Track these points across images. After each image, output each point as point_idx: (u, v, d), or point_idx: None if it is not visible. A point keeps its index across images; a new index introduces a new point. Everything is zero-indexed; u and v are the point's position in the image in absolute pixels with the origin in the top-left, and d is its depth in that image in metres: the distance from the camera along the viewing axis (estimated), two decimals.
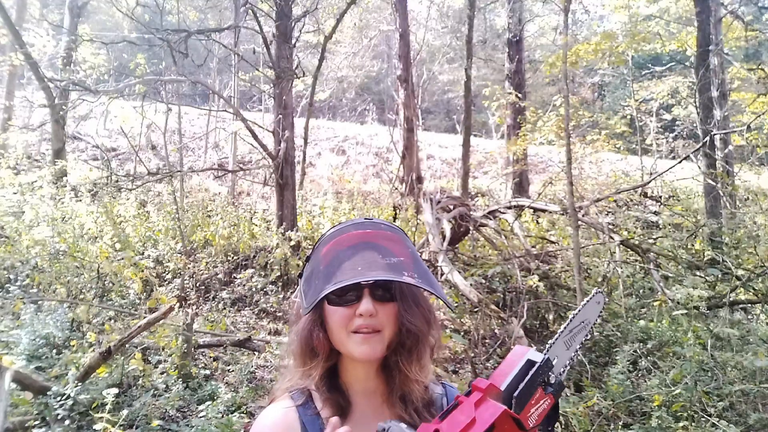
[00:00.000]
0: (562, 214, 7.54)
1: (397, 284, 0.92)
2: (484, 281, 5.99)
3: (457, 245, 7.41)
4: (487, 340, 5.42)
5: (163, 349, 4.41)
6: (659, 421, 3.25)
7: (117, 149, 14.07)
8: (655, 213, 10.01)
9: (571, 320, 0.98)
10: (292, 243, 7.09)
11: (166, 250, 7.23)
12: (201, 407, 3.74)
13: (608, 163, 15.23)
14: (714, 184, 6.51)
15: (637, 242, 6.15)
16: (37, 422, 3.29)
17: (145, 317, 4.32)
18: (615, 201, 10.76)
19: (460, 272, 5.67)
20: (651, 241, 6.43)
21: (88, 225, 7.62)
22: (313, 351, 0.95)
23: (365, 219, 1.00)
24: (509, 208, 7.71)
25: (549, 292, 5.75)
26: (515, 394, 0.78)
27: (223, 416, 3.70)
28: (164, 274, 6.80)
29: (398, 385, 0.95)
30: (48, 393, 3.44)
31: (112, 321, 5.25)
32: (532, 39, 19.82)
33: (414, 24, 15.84)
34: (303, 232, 7.89)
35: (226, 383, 4.47)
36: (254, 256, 7.25)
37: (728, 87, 9.67)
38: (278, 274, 6.96)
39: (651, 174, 9.74)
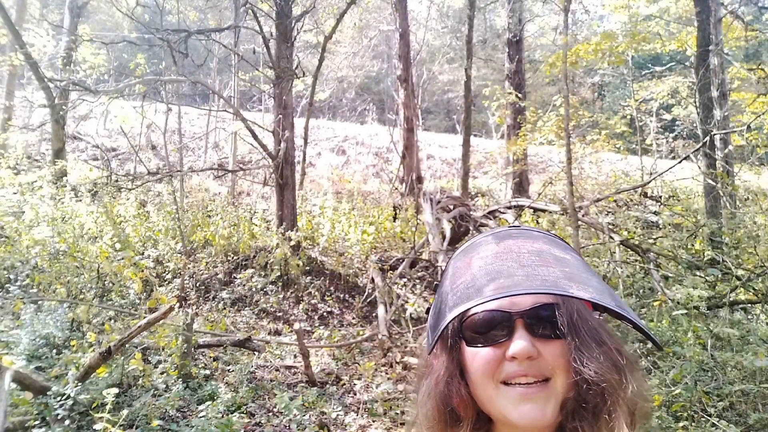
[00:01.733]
0: (562, 214, 7.54)
1: (563, 312, 0.65)
2: None
3: (457, 245, 7.42)
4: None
5: (163, 349, 4.41)
6: (659, 421, 3.25)
7: (117, 149, 14.07)
8: (655, 213, 10.01)
9: None
10: (292, 243, 7.09)
11: (166, 250, 7.23)
12: (201, 407, 3.74)
13: (608, 163, 15.23)
14: (714, 184, 6.51)
15: (637, 242, 6.15)
16: (37, 422, 3.29)
17: (145, 317, 4.32)
18: (615, 201, 10.76)
19: None
20: (651, 241, 6.43)
21: (88, 225, 7.62)
22: (455, 415, 0.68)
23: (510, 226, 0.77)
24: (509, 208, 7.72)
25: None
26: None
27: (223, 416, 3.71)
28: (164, 274, 6.80)
29: None
30: (48, 393, 3.44)
31: (112, 321, 5.25)
32: (532, 39, 19.83)
33: (414, 24, 15.84)
34: (303, 232, 7.89)
35: (226, 383, 4.47)
36: (254, 256, 7.25)
37: (728, 87, 9.66)
38: (278, 274, 6.96)
39: (651, 174, 9.74)
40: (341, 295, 7.04)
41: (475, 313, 0.66)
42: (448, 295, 0.67)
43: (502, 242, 0.71)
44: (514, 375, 0.63)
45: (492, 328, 0.65)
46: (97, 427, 3.10)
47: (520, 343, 0.63)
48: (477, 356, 0.66)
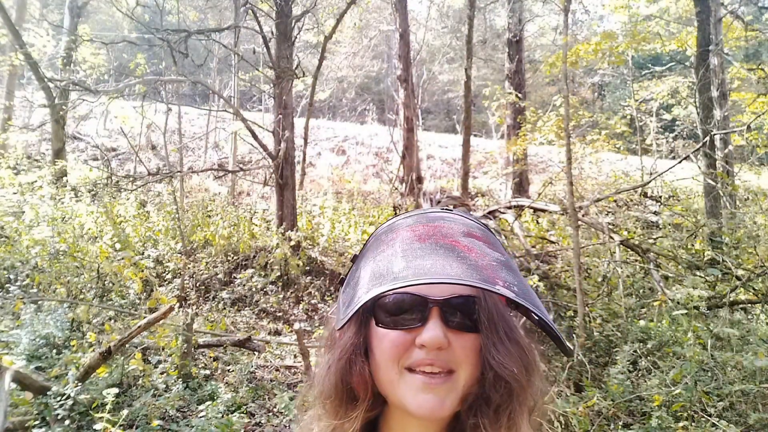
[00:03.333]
0: (562, 214, 7.54)
1: (483, 306, 0.63)
2: None
3: None
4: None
5: (163, 349, 4.41)
6: (659, 421, 3.25)
7: (117, 149, 14.07)
8: (655, 213, 10.01)
9: None
10: (292, 243, 7.09)
11: (166, 250, 7.23)
12: (201, 407, 3.74)
13: (608, 163, 15.23)
14: (714, 184, 6.51)
15: (637, 242, 6.15)
16: (37, 422, 3.29)
17: (145, 317, 4.32)
18: (615, 201, 10.76)
19: None
20: (651, 241, 6.43)
21: (88, 225, 7.62)
22: (352, 394, 0.66)
23: (443, 209, 0.72)
24: (509, 208, 7.72)
25: (549, 292, 5.76)
26: None
27: (223, 416, 3.71)
28: (164, 274, 6.80)
29: None
30: (48, 393, 3.44)
31: (112, 321, 5.25)
32: (532, 39, 19.82)
33: (414, 24, 15.84)
34: (303, 232, 7.89)
35: (226, 383, 4.47)
36: (254, 256, 7.25)
37: (728, 87, 9.66)
38: (278, 274, 6.96)
39: (651, 174, 9.74)
40: None
41: (391, 294, 0.62)
42: (365, 272, 0.64)
43: (431, 224, 0.67)
44: (420, 363, 0.61)
45: (406, 312, 0.62)
46: (97, 427, 3.10)
47: (432, 332, 0.60)
48: (385, 338, 0.63)
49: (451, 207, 0.69)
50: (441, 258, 0.60)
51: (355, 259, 0.73)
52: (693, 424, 3.28)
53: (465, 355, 0.62)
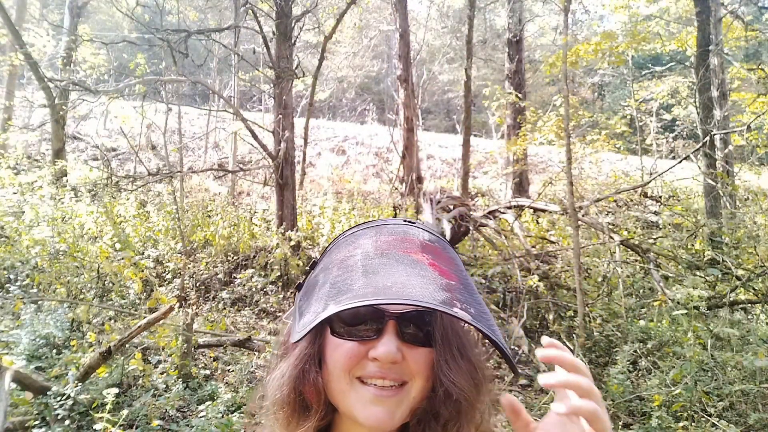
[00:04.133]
0: (562, 214, 7.54)
1: (438, 322, 0.64)
2: (484, 281, 5.99)
3: (457, 245, 7.42)
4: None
5: (163, 349, 4.41)
6: (659, 421, 3.25)
7: (117, 149, 14.07)
8: (655, 213, 10.01)
9: None
10: (292, 243, 7.09)
11: (166, 250, 7.23)
12: (201, 407, 3.74)
13: (608, 163, 15.23)
14: (714, 184, 6.51)
15: (637, 242, 6.15)
16: (37, 422, 3.29)
17: (145, 317, 4.32)
18: (615, 201, 10.76)
19: None
20: (651, 241, 6.43)
21: (88, 225, 7.62)
22: (304, 404, 0.66)
23: (405, 221, 0.71)
24: (509, 208, 7.72)
25: (549, 292, 5.76)
26: None
27: (223, 416, 3.70)
28: (164, 274, 6.81)
29: None
30: (48, 393, 3.44)
31: (112, 321, 5.25)
32: (532, 39, 19.83)
33: (414, 24, 15.84)
34: (303, 232, 7.89)
35: (226, 383, 4.47)
36: (254, 256, 7.25)
37: (728, 87, 9.66)
38: (278, 274, 6.96)
39: (651, 174, 9.74)
40: None
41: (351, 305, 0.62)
42: (324, 282, 0.63)
43: (394, 236, 0.66)
44: (372, 375, 0.61)
45: (361, 323, 0.62)
46: (97, 427, 3.10)
47: (386, 346, 0.60)
48: (339, 348, 0.63)
49: (414, 221, 0.69)
50: (401, 274, 0.59)
51: (314, 265, 0.72)
52: (693, 424, 3.28)
53: (418, 368, 0.62)
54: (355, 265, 0.62)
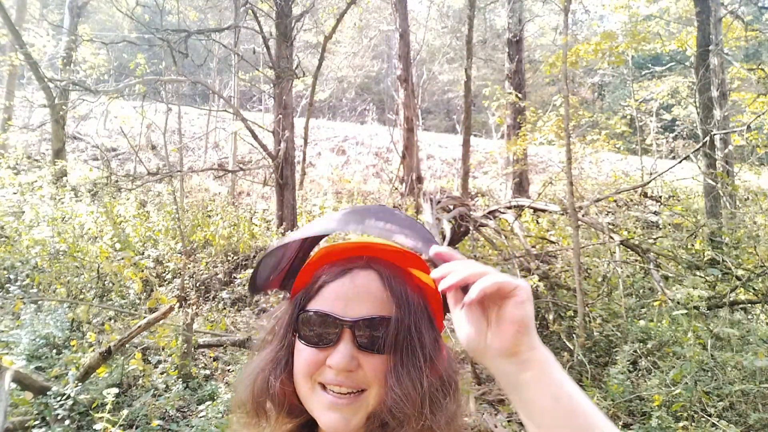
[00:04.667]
0: (562, 214, 7.53)
1: (393, 331, 0.65)
2: None
3: (457, 245, 7.41)
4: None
5: (163, 349, 4.41)
6: (659, 421, 3.25)
7: (117, 149, 14.07)
8: (655, 213, 10.01)
9: None
10: None
11: (166, 250, 7.23)
12: (201, 407, 3.74)
13: (608, 163, 15.23)
14: (714, 184, 6.51)
15: (637, 242, 6.15)
16: (37, 422, 3.29)
17: (145, 317, 4.32)
18: (615, 201, 10.76)
19: None
20: (651, 241, 6.43)
21: (88, 225, 7.62)
22: (271, 402, 0.69)
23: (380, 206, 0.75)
24: (509, 208, 7.71)
25: (549, 292, 5.75)
26: None
27: (223, 416, 3.70)
28: (164, 274, 6.80)
29: None
30: (48, 393, 3.44)
31: (112, 321, 5.25)
32: (532, 39, 19.83)
33: (414, 24, 15.84)
34: None
35: (226, 383, 4.46)
36: (254, 256, 7.25)
37: (728, 87, 9.66)
38: None
39: (651, 174, 9.74)
40: None
41: (309, 311, 0.66)
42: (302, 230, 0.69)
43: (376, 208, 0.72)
44: (330, 383, 0.64)
45: (321, 330, 0.65)
46: (97, 427, 3.10)
47: (339, 356, 0.63)
48: (301, 353, 0.66)
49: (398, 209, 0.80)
50: (372, 224, 0.65)
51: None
52: (693, 424, 3.28)
53: (375, 375, 0.64)
54: (312, 222, 0.69)
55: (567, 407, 0.53)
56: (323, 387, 0.65)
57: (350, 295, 0.65)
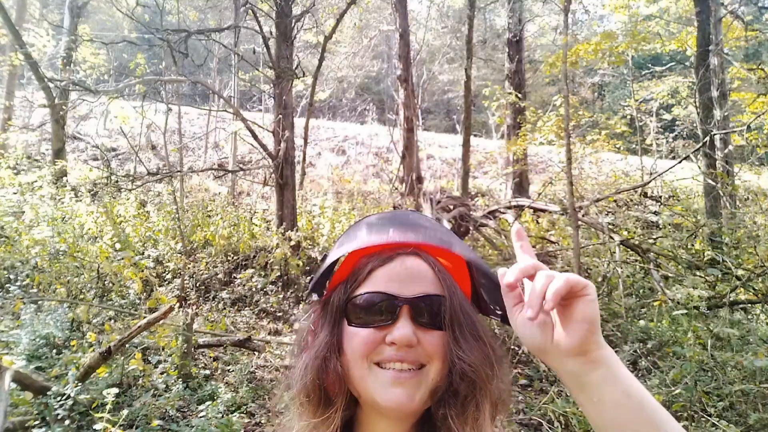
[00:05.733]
0: (562, 214, 7.54)
1: (448, 305, 0.67)
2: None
3: None
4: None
5: (163, 349, 4.41)
6: None
7: (117, 149, 14.07)
8: (655, 213, 10.01)
9: None
10: (292, 243, 7.09)
11: (166, 250, 7.23)
12: (201, 407, 3.74)
13: (608, 163, 15.23)
14: (714, 184, 6.51)
15: (637, 242, 6.15)
16: (37, 422, 3.29)
17: (145, 317, 4.32)
18: (615, 201, 10.76)
19: None
20: (651, 241, 6.43)
21: (88, 225, 7.62)
22: (328, 392, 0.69)
23: (411, 211, 0.80)
24: (509, 208, 7.72)
25: None
26: None
27: (223, 416, 3.71)
28: (164, 274, 6.80)
29: None
30: (48, 393, 3.44)
31: (112, 321, 5.25)
32: (532, 39, 19.83)
33: (414, 24, 15.84)
34: (303, 232, 7.88)
35: (226, 383, 4.47)
36: (254, 256, 7.25)
37: (728, 87, 9.66)
38: (278, 274, 6.96)
39: (651, 174, 9.74)
40: None
41: (361, 294, 0.68)
42: (331, 253, 0.71)
43: (389, 213, 0.77)
44: (390, 359, 0.65)
45: (376, 311, 0.66)
46: (97, 427, 3.10)
47: (402, 330, 0.64)
48: (356, 335, 0.67)
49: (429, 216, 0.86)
50: (399, 227, 0.69)
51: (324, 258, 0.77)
52: (693, 424, 3.28)
53: (434, 350, 0.66)
54: (359, 227, 0.72)
55: (638, 402, 0.54)
56: (380, 366, 0.65)
57: (403, 276, 0.67)
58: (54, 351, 4.32)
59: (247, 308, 6.45)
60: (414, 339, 0.64)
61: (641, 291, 5.83)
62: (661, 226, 8.22)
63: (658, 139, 16.74)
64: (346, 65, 17.26)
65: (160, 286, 6.48)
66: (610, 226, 6.91)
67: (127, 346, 4.12)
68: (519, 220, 7.53)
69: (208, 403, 3.79)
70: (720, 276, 5.22)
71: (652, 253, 5.79)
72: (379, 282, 0.67)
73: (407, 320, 0.65)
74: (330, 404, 0.69)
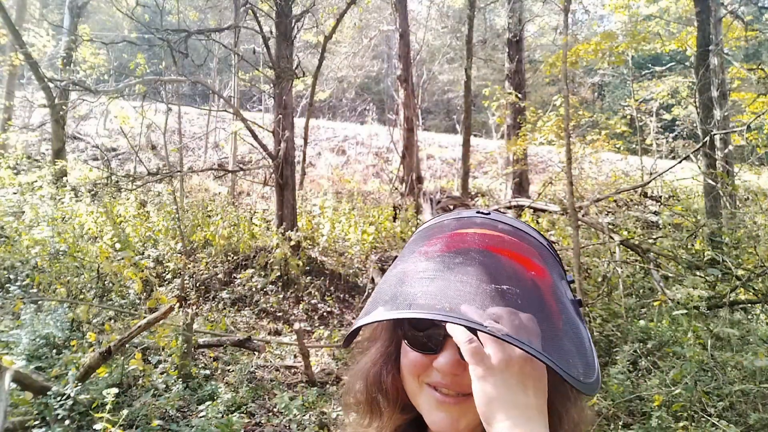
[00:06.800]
0: (562, 214, 7.54)
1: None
2: None
3: None
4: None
5: (163, 349, 4.41)
6: (659, 421, 3.25)
7: (117, 149, 14.07)
8: (655, 213, 10.01)
9: None
10: (292, 243, 7.09)
11: (166, 250, 7.23)
12: (201, 407, 3.74)
13: (608, 163, 15.23)
14: (714, 184, 6.51)
15: (637, 242, 6.15)
16: (37, 422, 3.29)
17: (145, 317, 4.32)
18: (615, 201, 10.76)
19: None
20: (651, 241, 6.43)
21: (88, 225, 7.62)
22: (383, 399, 0.69)
23: (479, 212, 0.72)
24: (509, 208, 7.72)
25: None
26: None
27: (223, 416, 3.71)
28: (164, 274, 6.80)
29: None
30: (48, 393, 3.44)
31: (112, 321, 5.25)
32: (532, 39, 19.84)
33: (414, 24, 15.84)
34: (303, 232, 7.89)
35: (226, 383, 4.47)
36: (254, 256, 7.25)
37: (728, 87, 9.66)
38: (278, 274, 6.96)
39: (651, 174, 9.74)
40: (341, 295, 7.05)
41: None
42: (392, 276, 0.64)
43: (458, 231, 0.67)
44: (437, 384, 0.63)
45: (426, 331, 0.64)
46: (97, 427, 3.10)
47: (445, 360, 0.61)
48: (407, 355, 0.66)
49: (488, 210, 0.70)
50: (470, 277, 0.58)
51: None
52: (693, 424, 3.28)
53: None
54: (416, 267, 0.62)
55: None
56: (430, 386, 0.64)
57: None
58: (54, 351, 4.32)
59: (247, 308, 6.45)
60: (459, 369, 0.61)
61: (641, 291, 5.82)
62: (661, 226, 8.23)
63: (658, 139, 16.73)
64: (346, 65, 17.25)
65: (160, 286, 6.48)
66: (610, 226, 6.91)
67: (127, 346, 4.12)
68: (519, 219, 7.53)
69: (208, 403, 3.80)
70: (720, 276, 5.21)
71: (652, 253, 5.79)
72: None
73: (453, 350, 0.61)
74: (386, 409, 0.69)
